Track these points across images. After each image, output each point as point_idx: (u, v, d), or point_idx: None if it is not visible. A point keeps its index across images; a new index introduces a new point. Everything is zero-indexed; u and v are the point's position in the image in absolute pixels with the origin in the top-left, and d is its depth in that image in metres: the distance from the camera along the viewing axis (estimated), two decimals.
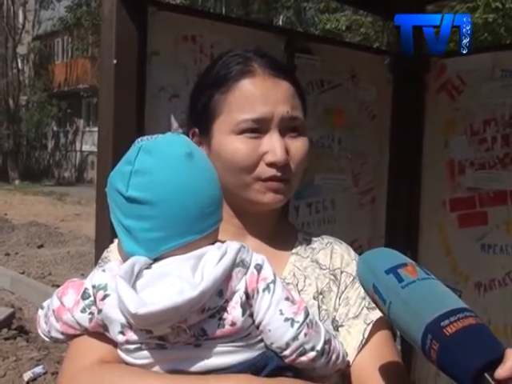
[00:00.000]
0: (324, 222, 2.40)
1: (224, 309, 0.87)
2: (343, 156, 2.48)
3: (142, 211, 0.89)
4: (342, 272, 1.09)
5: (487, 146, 2.42)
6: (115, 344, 0.90)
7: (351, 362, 1.00)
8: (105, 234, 1.75)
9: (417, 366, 2.47)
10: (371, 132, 2.57)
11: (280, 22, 15.86)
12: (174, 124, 1.90)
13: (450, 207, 2.53)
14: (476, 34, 7.66)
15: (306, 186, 2.31)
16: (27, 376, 4.15)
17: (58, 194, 17.19)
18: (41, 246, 9.26)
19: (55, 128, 28.13)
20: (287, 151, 1.02)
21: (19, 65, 26.26)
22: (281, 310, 0.88)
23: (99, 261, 1.09)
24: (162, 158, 0.90)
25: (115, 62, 1.74)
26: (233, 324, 0.86)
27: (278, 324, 0.88)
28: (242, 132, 1.01)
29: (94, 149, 23.29)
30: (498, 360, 0.70)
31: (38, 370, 4.22)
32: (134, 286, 0.85)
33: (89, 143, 25.17)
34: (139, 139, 0.95)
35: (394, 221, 2.62)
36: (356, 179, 2.54)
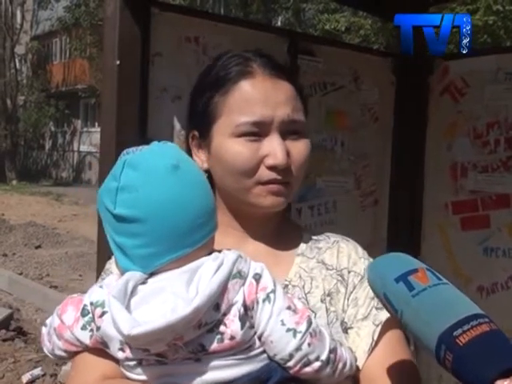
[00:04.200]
0: (326, 225, 2.39)
1: (222, 323, 0.84)
2: (345, 158, 2.48)
3: (131, 228, 0.87)
4: (349, 272, 1.06)
5: (490, 148, 2.41)
6: (117, 360, 0.89)
7: (361, 365, 0.98)
8: (106, 236, 1.74)
9: (420, 369, 2.45)
10: (374, 134, 2.56)
11: (279, 23, 15.86)
12: (177, 125, 1.89)
13: (453, 210, 2.52)
14: (476, 36, 7.67)
15: (308, 188, 2.30)
16: (26, 378, 4.14)
17: (55, 195, 17.13)
18: (38, 247, 9.23)
19: (53, 128, 28.04)
20: (288, 154, 1.00)
21: (17, 65, 26.18)
22: (282, 321, 0.86)
23: (102, 272, 1.08)
24: (146, 172, 0.88)
25: (118, 63, 1.73)
26: (232, 338, 0.84)
27: (280, 335, 0.86)
28: (241, 135, 0.99)
29: (92, 149, 23.31)
30: None
31: (37, 371, 4.20)
32: (128, 304, 0.83)
33: (86, 143, 25.13)
34: (125, 151, 0.92)
35: (396, 223, 2.61)
36: (358, 181, 2.53)
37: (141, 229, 0.86)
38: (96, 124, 23.74)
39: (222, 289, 0.84)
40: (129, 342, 0.82)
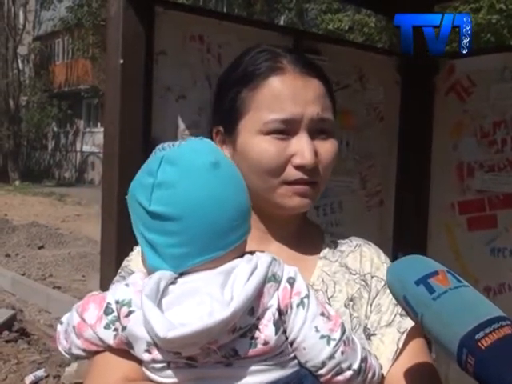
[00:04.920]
0: (332, 225, 2.37)
1: (256, 327, 0.82)
2: (351, 158, 2.45)
3: (166, 226, 0.83)
4: (372, 277, 1.04)
5: (497, 148, 2.39)
6: (140, 360, 0.86)
7: (385, 373, 0.95)
8: (110, 236, 1.73)
9: None
10: (379, 133, 2.54)
11: (281, 23, 15.85)
12: (182, 125, 1.87)
13: (459, 210, 2.49)
14: (479, 35, 7.65)
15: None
16: (29, 379, 4.13)
17: (58, 195, 17.15)
18: (41, 247, 9.24)
19: (55, 128, 28.07)
20: (316, 153, 0.97)
21: (20, 65, 26.20)
22: (316, 327, 0.84)
23: (119, 270, 1.05)
24: (186, 169, 0.84)
25: (122, 61, 1.71)
26: (265, 343, 0.82)
27: (314, 341, 0.83)
28: (269, 132, 0.96)
29: (95, 149, 23.34)
30: None
31: (40, 373, 4.20)
32: (159, 304, 0.80)
33: (89, 144, 25.15)
34: (160, 146, 0.89)
35: (402, 223, 2.59)
36: (364, 181, 2.51)
37: (176, 227, 0.83)
38: (99, 124, 23.76)
39: (258, 293, 0.82)
40: (162, 345, 0.79)
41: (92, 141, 24.56)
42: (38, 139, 28.14)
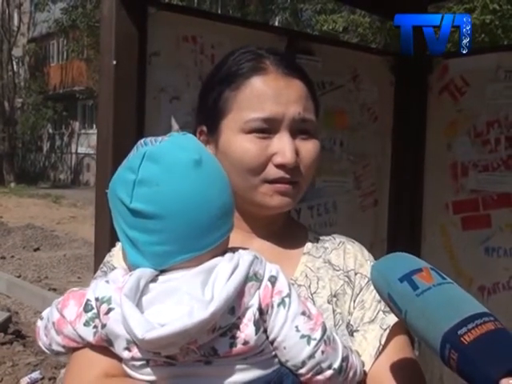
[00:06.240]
0: (326, 225, 2.37)
1: (236, 326, 0.82)
2: (345, 158, 2.45)
3: (148, 224, 0.83)
4: (356, 273, 1.05)
5: (491, 147, 2.39)
6: (120, 357, 0.85)
7: (368, 369, 0.96)
8: (104, 238, 1.72)
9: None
10: (373, 134, 2.54)
11: (276, 24, 15.85)
12: (175, 126, 1.87)
13: (453, 210, 2.50)
14: (473, 35, 7.66)
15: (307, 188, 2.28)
16: (24, 381, 4.12)
17: (53, 197, 17.10)
18: (37, 249, 9.21)
19: (51, 130, 28.03)
20: (297, 153, 0.98)
21: (14, 67, 26.14)
22: (297, 327, 0.84)
23: (101, 265, 1.05)
24: (168, 167, 0.84)
25: (115, 62, 1.71)
26: (245, 343, 0.82)
27: (294, 341, 0.83)
28: (251, 131, 0.97)
29: (90, 151, 23.29)
30: None
31: (35, 375, 4.18)
32: (139, 302, 0.80)
33: (84, 145, 25.12)
34: (142, 141, 0.88)
35: (396, 223, 2.59)
36: (358, 181, 2.51)
37: (158, 225, 0.83)
38: (94, 126, 23.70)
39: (239, 292, 0.82)
40: (141, 345, 0.79)
41: (87, 142, 24.52)
42: (33, 141, 28.10)
